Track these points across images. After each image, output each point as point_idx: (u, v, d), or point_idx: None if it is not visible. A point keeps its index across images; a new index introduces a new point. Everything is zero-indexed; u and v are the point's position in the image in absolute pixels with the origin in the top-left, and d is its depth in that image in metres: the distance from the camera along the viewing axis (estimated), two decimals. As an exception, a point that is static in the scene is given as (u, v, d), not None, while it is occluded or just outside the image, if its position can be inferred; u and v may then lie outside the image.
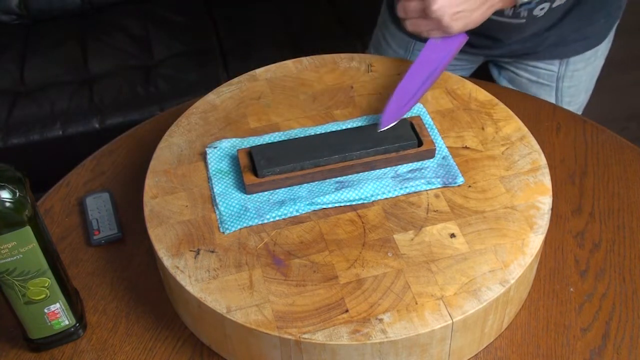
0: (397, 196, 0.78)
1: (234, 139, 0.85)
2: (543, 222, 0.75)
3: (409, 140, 0.82)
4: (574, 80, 1.11)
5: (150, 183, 0.81)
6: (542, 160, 0.82)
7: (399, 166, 0.82)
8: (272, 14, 1.88)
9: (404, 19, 0.86)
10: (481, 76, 1.16)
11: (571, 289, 0.79)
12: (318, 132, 0.85)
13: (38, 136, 1.60)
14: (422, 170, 0.81)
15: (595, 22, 1.02)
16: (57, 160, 1.41)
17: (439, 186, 0.79)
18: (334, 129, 0.86)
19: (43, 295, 0.71)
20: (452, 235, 0.74)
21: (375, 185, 0.79)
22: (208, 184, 0.81)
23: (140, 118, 1.53)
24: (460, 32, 0.86)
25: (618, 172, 0.92)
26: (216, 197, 0.79)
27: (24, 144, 1.60)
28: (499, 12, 0.94)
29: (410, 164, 0.82)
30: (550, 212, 0.76)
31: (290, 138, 0.84)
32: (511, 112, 0.88)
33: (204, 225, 0.76)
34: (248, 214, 0.77)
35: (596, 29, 1.07)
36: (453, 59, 0.90)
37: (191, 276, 0.71)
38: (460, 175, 0.80)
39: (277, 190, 0.79)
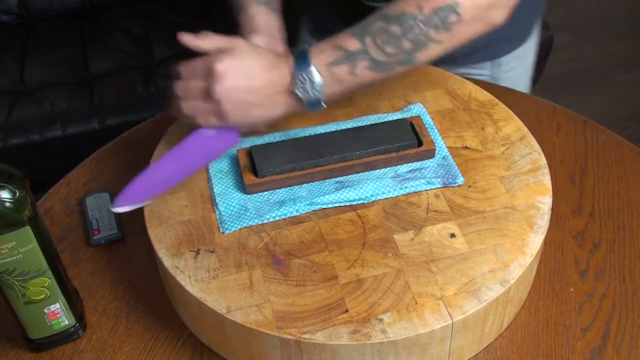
0: (397, 196, 0.78)
1: (234, 139, 0.85)
2: (543, 222, 0.75)
3: (409, 140, 0.82)
4: (508, 81, 1.09)
5: (150, 183, 0.81)
6: (542, 160, 0.82)
7: (399, 166, 0.82)
8: (272, 14, 1.88)
9: (180, 100, 0.77)
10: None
11: (571, 289, 0.79)
12: (318, 132, 0.85)
13: (38, 136, 1.60)
14: (422, 170, 0.81)
15: (518, 19, 1.01)
16: (57, 160, 1.41)
17: (439, 186, 0.79)
18: (334, 129, 0.86)
19: (43, 295, 0.71)
20: (452, 235, 0.74)
21: (375, 185, 0.79)
22: (208, 184, 0.81)
23: (140, 118, 1.52)
24: (235, 126, 0.78)
25: (618, 172, 0.92)
26: (216, 197, 0.79)
27: (24, 144, 1.60)
28: None
29: (410, 164, 0.82)
30: (550, 212, 0.76)
31: (290, 138, 0.84)
32: (511, 112, 0.88)
33: (204, 225, 0.76)
34: (248, 214, 0.77)
35: (520, 26, 1.06)
36: None
37: (191, 276, 0.71)
38: (460, 175, 0.80)
39: (277, 190, 0.79)
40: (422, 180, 0.80)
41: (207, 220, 0.77)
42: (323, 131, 0.85)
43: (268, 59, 0.77)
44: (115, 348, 0.76)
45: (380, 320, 0.67)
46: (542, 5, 1.09)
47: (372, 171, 0.81)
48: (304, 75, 0.75)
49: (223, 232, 0.75)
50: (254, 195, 0.79)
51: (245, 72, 0.75)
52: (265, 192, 0.79)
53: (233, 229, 0.76)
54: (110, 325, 0.78)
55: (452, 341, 0.69)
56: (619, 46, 2.40)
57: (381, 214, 0.77)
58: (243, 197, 0.79)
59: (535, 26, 1.09)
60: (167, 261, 0.73)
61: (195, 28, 1.92)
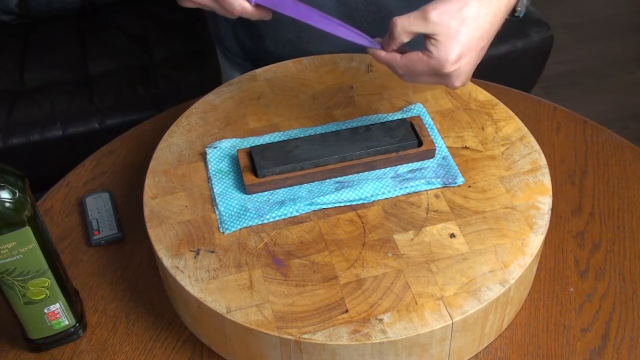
0: (397, 196, 0.78)
1: (233, 139, 0.85)
2: (543, 222, 0.75)
3: (409, 140, 0.82)
4: None
5: (150, 183, 0.81)
6: (542, 160, 0.82)
7: (399, 166, 0.82)
8: (272, 14, 1.88)
9: (405, 77, 0.74)
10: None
11: (571, 289, 0.79)
12: (318, 132, 0.85)
13: (38, 136, 1.60)
14: (422, 170, 0.81)
15: None
16: (57, 160, 1.41)
17: (439, 186, 0.79)
18: (334, 129, 0.86)
19: (43, 296, 0.71)
20: (452, 236, 0.74)
21: (375, 185, 0.79)
22: (208, 184, 0.81)
23: (140, 118, 1.53)
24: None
25: (618, 172, 0.92)
26: (216, 197, 0.79)
27: (24, 144, 1.60)
28: None
29: (410, 164, 0.82)
30: (550, 212, 0.76)
31: (290, 138, 0.84)
32: (511, 112, 0.88)
33: (204, 225, 0.76)
34: (248, 214, 0.77)
35: None
36: None
37: (191, 276, 0.71)
38: (460, 175, 0.80)
39: (277, 191, 0.79)
40: (422, 181, 0.80)
41: (207, 220, 0.77)
42: (323, 131, 0.85)
43: (481, 5, 0.69)
44: (115, 348, 0.76)
45: (380, 320, 0.67)
46: None
47: (372, 171, 0.81)
48: None
49: (223, 232, 0.75)
50: (254, 195, 0.79)
51: (475, 44, 0.69)
52: (265, 192, 0.79)
53: (233, 229, 0.76)
54: (110, 325, 0.78)
55: (452, 341, 0.69)
56: (619, 46, 2.40)
57: (381, 214, 0.77)
58: (243, 197, 0.79)
59: None
60: (167, 261, 0.73)
61: (195, 28, 1.92)
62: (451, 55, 0.68)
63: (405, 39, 0.70)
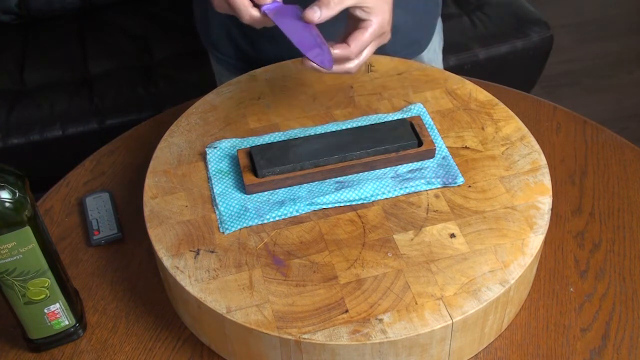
0: (397, 196, 0.78)
1: (233, 139, 0.85)
2: (543, 222, 0.75)
3: (409, 141, 0.82)
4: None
5: (150, 183, 0.81)
6: (542, 160, 0.82)
7: (399, 166, 0.82)
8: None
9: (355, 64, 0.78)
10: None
11: (571, 289, 0.79)
12: (318, 132, 0.85)
13: (38, 136, 1.61)
14: (422, 171, 0.81)
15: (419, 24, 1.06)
16: (57, 160, 1.41)
17: (439, 186, 0.79)
18: (334, 129, 0.86)
19: (43, 296, 0.71)
20: (452, 235, 0.74)
21: (375, 185, 0.79)
22: (208, 184, 0.81)
23: (140, 118, 1.53)
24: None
25: (618, 172, 0.92)
26: (216, 197, 0.79)
27: (24, 144, 1.60)
28: None
29: (410, 164, 0.82)
30: (550, 212, 0.76)
31: (290, 138, 0.84)
32: (511, 112, 0.88)
33: (204, 225, 0.76)
34: (248, 214, 0.77)
35: (420, 29, 1.10)
36: None
37: (191, 276, 0.71)
38: (460, 175, 0.80)
39: (277, 191, 0.80)
40: (422, 181, 0.80)
41: (207, 220, 0.77)
42: (323, 131, 0.85)
43: None
44: (115, 348, 0.76)
45: (380, 320, 0.67)
46: (437, 11, 1.13)
47: (372, 171, 0.81)
48: None
49: (223, 232, 0.76)
50: (254, 195, 0.79)
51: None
52: (265, 192, 0.79)
53: (233, 229, 0.76)
54: (110, 325, 0.78)
55: (452, 341, 0.69)
56: (619, 46, 2.40)
57: (381, 214, 0.77)
58: (243, 197, 0.79)
59: (434, 29, 1.13)
60: (167, 261, 0.73)
61: (195, 28, 1.92)
62: (387, 13, 0.77)
63: (339, 8, 0.74)
